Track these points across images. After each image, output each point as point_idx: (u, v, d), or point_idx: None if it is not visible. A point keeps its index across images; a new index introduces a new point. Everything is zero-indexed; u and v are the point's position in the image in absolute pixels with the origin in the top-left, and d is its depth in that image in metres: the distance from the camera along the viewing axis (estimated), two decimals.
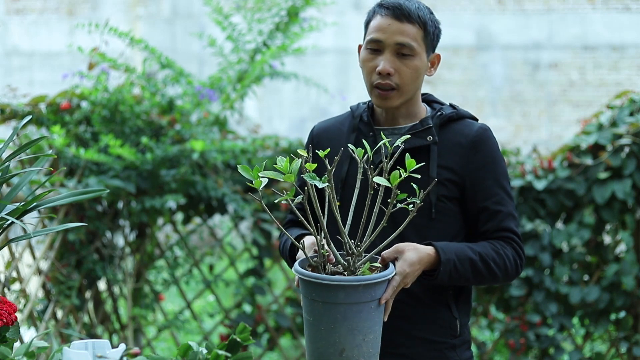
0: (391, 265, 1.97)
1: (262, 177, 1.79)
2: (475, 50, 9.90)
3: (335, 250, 1.92)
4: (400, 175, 1.86)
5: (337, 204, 1.93)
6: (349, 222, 1.96)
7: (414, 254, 2.05)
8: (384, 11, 2.20)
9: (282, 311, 4.59)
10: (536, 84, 9.83)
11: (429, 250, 2.09)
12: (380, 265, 1.99)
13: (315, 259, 1.94)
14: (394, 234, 1.95)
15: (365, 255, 1.95)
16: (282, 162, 1.80)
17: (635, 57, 9.67)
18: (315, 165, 1.84)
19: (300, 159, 1.83)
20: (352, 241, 1.93)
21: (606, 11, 9.67)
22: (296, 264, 1.95)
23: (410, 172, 1.87)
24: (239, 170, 1.80)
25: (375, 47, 2.21)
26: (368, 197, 1.92)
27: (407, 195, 1.91)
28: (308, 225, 1.89)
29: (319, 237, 1.91)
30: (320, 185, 1.81)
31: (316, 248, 1.98)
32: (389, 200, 1.91)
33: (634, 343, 4.22)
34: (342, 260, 1.92)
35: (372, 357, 1.91)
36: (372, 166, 1.90)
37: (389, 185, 1.85)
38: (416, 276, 2.06)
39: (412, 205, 1.91)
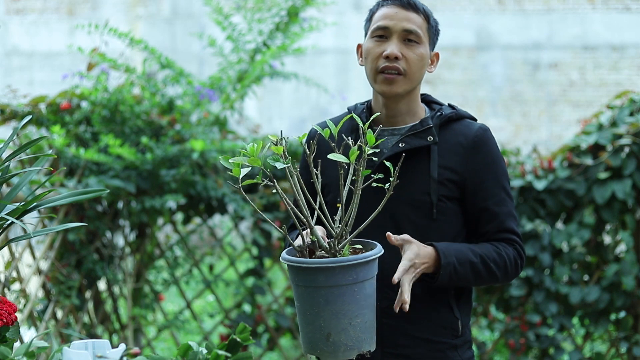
0: (378, 246, 1.96)
1: (233, 161, 1.82)
2: (475, 50, 9.90)
3: (319, 235, 1.92)
4: (361, 152, 1.87)
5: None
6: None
7: (421, 247, 2.09)
8: (390, 2, 2.25)
9: (282, 311, 4.59)
10: (536, 84, 9.83)
11: (431, 250, 2.12)
12: (361, 248, 1.99)
13: (300, 245, 1.94)
14: (373, 214, 1.95)
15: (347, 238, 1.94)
16: (250, 146, 1.83)
17: (635, 57, 9.67)
18: (282, 148, 1.85)
19: (268, 144, 1.86)
20: (339, 225, 1.93)
21: (606, 11, 9.67)
22: (283, 252, 1.95)
23: (372, 147, 1.87)
24: (221, 163, 1.84)
25: (382, 34, 2.23)
26: (341, 178, 1.93)
27: (371, 172, 1.93)
28: (296, 212, 1.91)
29: (305, 224, 1.92)
30: (279, 166, 1.83)
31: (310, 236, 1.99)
32: (386, 188, 1.92)
33: (634, 343, 4.22)
34: (325, 244, 1.92)
35: (363, 342, 1.89)
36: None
37: (347, 161, 1.86)
38: (422, 270, 2.09)
39: (387, 185, 1.91)
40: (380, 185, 1.92)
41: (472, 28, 9.86)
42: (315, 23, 4.57)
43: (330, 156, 1.86)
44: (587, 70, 9.76)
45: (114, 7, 10.54)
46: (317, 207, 1.93)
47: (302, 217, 1.92)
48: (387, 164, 1.95)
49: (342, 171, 1.91)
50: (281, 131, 1.90)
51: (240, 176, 1.82)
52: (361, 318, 1.88)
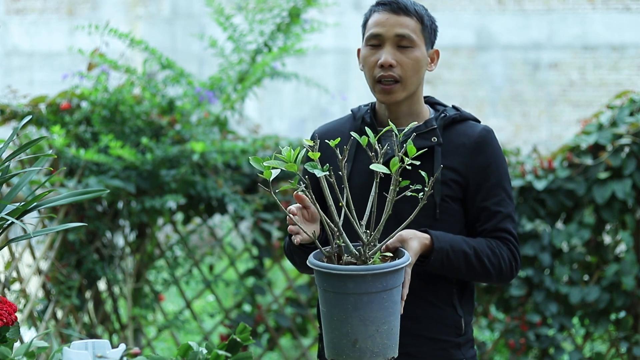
0: (406, 254, 1.97)
1: (267, 165, 1.80)
2: (475, 50, 9.90)
3: (348, 240, 1.92)
4: (402, 162, 1.86)
5: (340, 204, 1.93)
6: (367, 214, 1.96)
7: (417, 243, 2.09)
8: (381, 7, 2.24)
9: (282, 311, 4.59)
10: (536, 84, 9.83)
11: (426, 237, 2.13)
12: (391, 255, 1.99)
13: (328, 250, 1.94)
14: (403, 224, 1.95)
15: (377, 245, 1.94)
16: (285, 151, 1.81)
17: (635, 57, 9.67)
18: (319, 154, 1.84)
19: (304, 149, 1.85)
20: (366, 231, 1.93)
21: (606, 11, 9.67)
22: (310, 256, 1.95)
23: (412, 158, 1.86)
24: (250, 163, 1.82)
25: (375, 42, 2.24)
26: (375, 186, 1.93)
27: (410, 183, 1.91)
28: (323, 215, 1.89)
29: (333, 227, 1.91)
30: (319, 174, 1.82)
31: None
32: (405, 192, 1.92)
33: (634, 343, 4.22)
34: (354, 250, 1.92)
35: (388, 348, 1.89)
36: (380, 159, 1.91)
37: (388, 172, 1.85)
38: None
39: (422, 194, 1.90)
40: (414, 194, 1.91)
41: (472, 28, 9.86)
42: (316, 24, 4.57)
43: (372, 167, 1.85)
44: (587, 70, 9.76)
45: (114, 7, 10.54)
46: (342, 212, 1.93)
47: (332, 223, 1.91)
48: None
49: (377, 179, 1.90)
50: (315, 134, 1.88)
51: (271, 178, 1.79)
52: (388, 325, 1.88)
